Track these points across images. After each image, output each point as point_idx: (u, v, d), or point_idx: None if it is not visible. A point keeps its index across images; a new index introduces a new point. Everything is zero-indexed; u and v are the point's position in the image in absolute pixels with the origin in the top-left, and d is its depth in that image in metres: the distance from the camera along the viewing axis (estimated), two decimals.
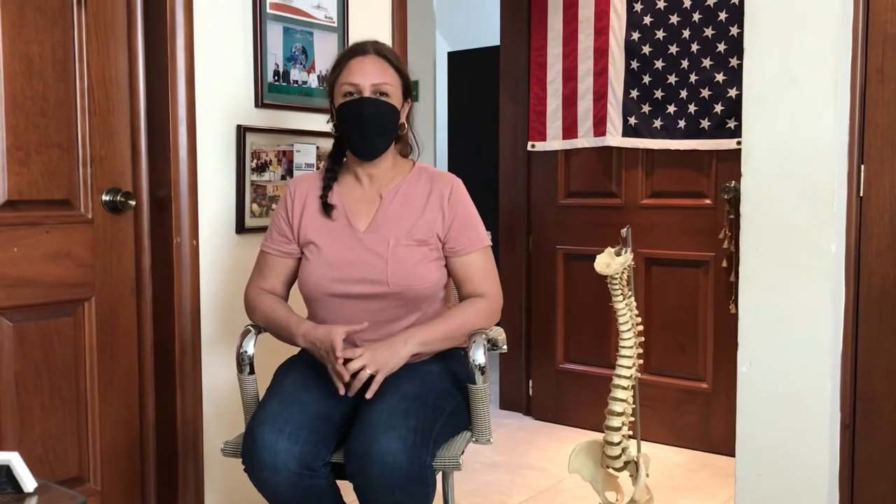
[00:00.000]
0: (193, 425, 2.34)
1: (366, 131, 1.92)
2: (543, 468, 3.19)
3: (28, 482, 1.42)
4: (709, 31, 3.20)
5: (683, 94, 3.28)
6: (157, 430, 2.35)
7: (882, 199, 1.94)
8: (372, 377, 1.79)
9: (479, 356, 1.86)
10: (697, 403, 3.40)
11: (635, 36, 3.38)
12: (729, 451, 2.17)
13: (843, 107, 1.94)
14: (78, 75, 2.16)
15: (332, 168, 2.02)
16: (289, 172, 2.54)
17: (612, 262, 1.86)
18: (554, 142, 3.66)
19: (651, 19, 3.33)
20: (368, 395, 1.79)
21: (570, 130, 3.59)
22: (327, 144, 2.23)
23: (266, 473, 1.73)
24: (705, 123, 3.24)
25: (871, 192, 1.95)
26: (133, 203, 2.27)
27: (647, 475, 1.95)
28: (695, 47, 3.24)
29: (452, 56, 5.69)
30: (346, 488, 1.80)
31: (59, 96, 2.12)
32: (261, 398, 1.91)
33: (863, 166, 1.96)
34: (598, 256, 1.86)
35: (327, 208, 1.96)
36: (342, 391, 1.80)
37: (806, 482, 2.00)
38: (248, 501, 2.43)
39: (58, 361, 2.15)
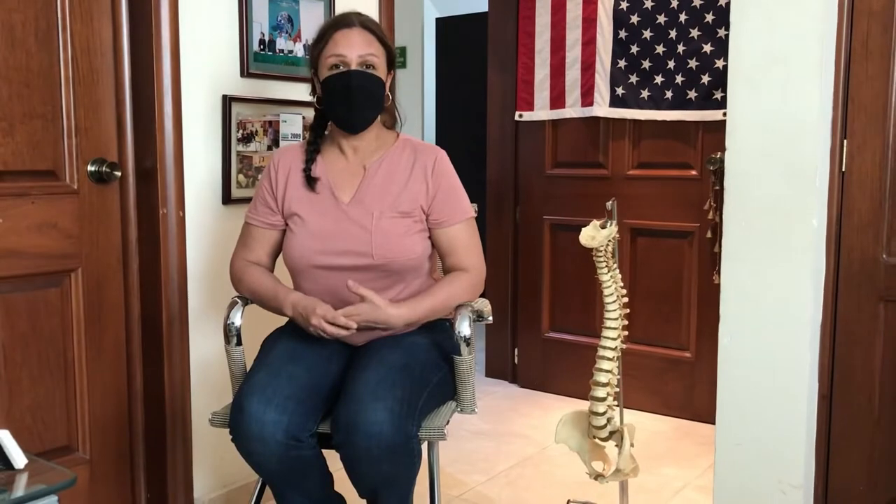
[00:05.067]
0: (181, 395, 2.36)
1: (354, 104, 1.91)
2: (528, 436, 3.24)
3: (18, 459, 1.44)
4: (697, 1, 3.19)
5: (671, 64, 3.28)
6: (145, 400, 2.37)
7: (864, 174, 1.95)
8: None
9: (464, 328, 1.88)
10: (681, 372, 3.45)
11: (623, 5, 3.36)
12: (712, 419, 2.21)
13: (828, 82, 1.95)
14: (61, 45, 2.14)
15: (315, 141, 2.02)
16: (275, 143, 2.54)
17: (596, 235, 1.87)
18: (542, 112, 3.65)
19: None
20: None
21: (557, 100, 3.59)
22: (313, 113, 2.22)
23: (253, 444, 1.75)
24: (692, 94, 3.24)
25: (853, 168, 1.97)
26: (119, 174, 2.27)
27: (633, 445, 1.99)
28: (683, 17, 3.23)
29: (441, 22, 5.64)
30: (332, 458, 1.83)
31: (43, 66, 2.10)
32: (248, 369, 1.93)
33: (846, 141, 1.97)
34: (583, 229, 1.87)
35: (311, 181, 1.97)
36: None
37: (784, 451, 2.04)
38: (235, 471, 2.47)
39: (45, 332, 2.16)
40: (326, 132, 2.05)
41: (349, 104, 1.91)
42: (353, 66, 1.90)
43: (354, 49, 1.91)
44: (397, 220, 1.93)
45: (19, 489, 1.37)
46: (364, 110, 1.93)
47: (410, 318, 1.88)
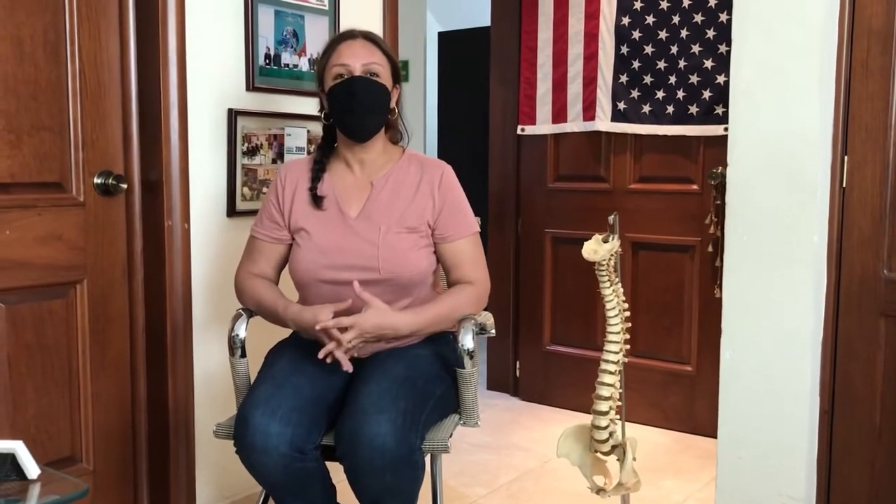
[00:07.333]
0: (185, 407, 2.36)
1: (358, 110, 1.93)
2: (530, 448, 3.24)
3: (32, 470, 1.45)
4: (698, 17, 3.22)
5: (672, 79, 3.30)
6: (148, 412, 2.38)
7: (864, 190, 1.97)
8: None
9: (467, 341, 1.89)
10: (682, 385, 3.45)
11: (625, 21, 3.39)
12: (713, 432, 2.22)
13: (828, 99, 1.97)
14: (69, 58, 2.16)
15: (321, 160, 2.03)
16: (280, 156, 2.56)
17: (599, 249, 1.88)
18: (543, 126, 3.67)
19: (641, 4, 3.34)
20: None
21: (559, 115, 3.61)
22: (318, 128, 2.24)
23: (257, 456, 1.76)
24: (693, 109, 3.26)
25: (853, 184, 1.98)
26: (125, 186, 2.28)
27: (635, 459, 1.99)
28: (684, 33, 3.25)
29: (443, 36, 5.67)
30: (335, 470, 1.83)
31: (51, 79, 2.12)
32: (252, 381, 1.94)
33: (846, 158, 1.99)
34: (585, 243, 1.88)
35: (317, 200, 1.98)
36: (346, 366, 1.82)
37: (785, 466, 2.05)
38: (238, 482, 2.47)
39: (50, 343, 2.17)
40: (335, 146, 2.07)
41: (353, 110, 1.93)
42: (357, 74, 1.93)
43: (358, 58, 1.93)
44: (404, 235, 1.94)
45: (32, 499, 1.39)
46: (367, 116, 1.94)
47: (416, 323, 1.89)
